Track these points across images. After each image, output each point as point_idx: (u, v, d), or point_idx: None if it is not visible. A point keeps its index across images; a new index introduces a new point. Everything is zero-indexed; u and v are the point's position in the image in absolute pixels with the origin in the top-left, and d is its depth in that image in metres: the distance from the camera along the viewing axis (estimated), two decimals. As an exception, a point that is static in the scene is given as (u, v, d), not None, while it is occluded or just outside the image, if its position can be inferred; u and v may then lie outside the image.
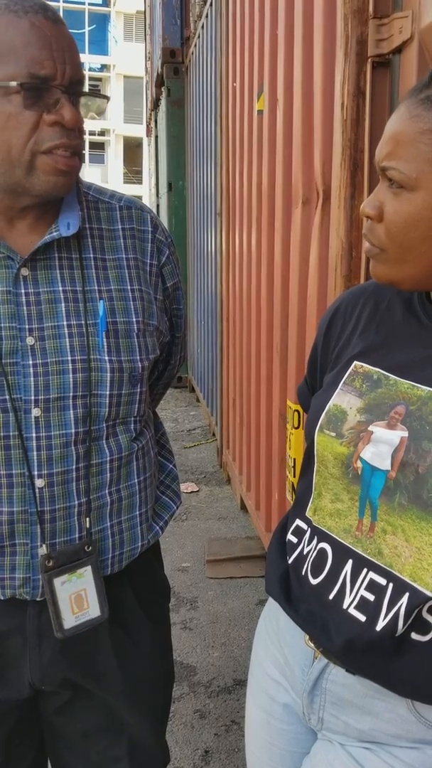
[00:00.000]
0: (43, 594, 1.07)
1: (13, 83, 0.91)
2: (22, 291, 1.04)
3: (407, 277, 0.88)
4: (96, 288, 1.08)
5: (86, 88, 1.02)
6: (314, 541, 0.97)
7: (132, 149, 31.89)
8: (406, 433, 0.87)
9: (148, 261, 1.16)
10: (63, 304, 1.06)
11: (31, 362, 1.03)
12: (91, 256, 1.10)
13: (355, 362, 0.97)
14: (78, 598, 1.07)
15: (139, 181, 29.27)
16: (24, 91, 0.92)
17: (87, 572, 1.08)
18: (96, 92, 1.04)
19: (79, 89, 0.98)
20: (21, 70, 0.91)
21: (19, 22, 0.92)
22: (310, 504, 0.99)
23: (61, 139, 0.96)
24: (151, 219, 1.18)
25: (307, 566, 0.97)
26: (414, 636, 0.85)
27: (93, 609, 1.09)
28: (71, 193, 1.08)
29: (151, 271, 1.16)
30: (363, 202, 0.89)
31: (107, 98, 1.08)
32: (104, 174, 30.90)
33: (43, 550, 1.05)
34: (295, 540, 1.02)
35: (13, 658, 1.12)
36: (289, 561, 1.02)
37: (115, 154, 32.01)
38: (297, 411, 2.39)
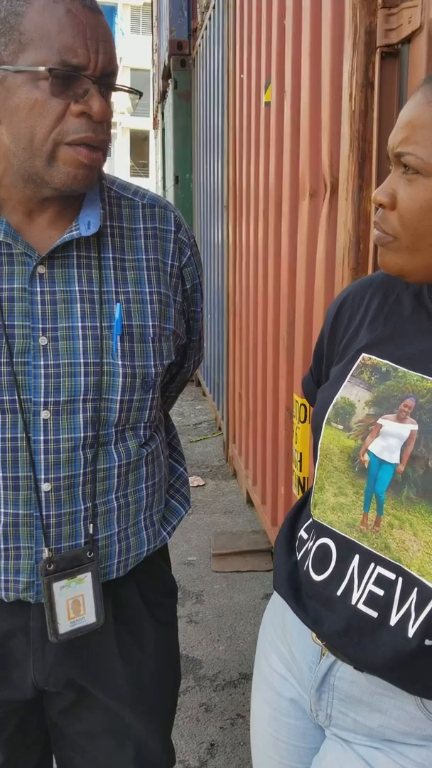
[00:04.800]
0: None
1: (42, 69, 0.88)
2: (38, 289, 1.01)
3: (418, 267, 0.87)
4: (113, 289, 1.05)
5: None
6: (314, 536, 0.96)
7: (139, 142, 31.82)
8: (415, 426, 0.86)
9: (169, 262, 1.12)
10: (78, 305, 1.03)
11: (42, 363, 1.01)
12: (110, 255, 1.06)
13: (363, 354, 0.95)
14: (75, 603, 1.05)
15: (146, 174, 29.21)
16: (53, 77, 0.89)
17: (87, 578, 1.06)
18: (128, 87, 1.00)
19: (111, 81, 0.95)
20: (53, 57, 0.88)
21: (55, 7, 0.89)
22: (311, 498, 0.98)
23: (87, 132, 0.92)
24: (175, 218, 1.14)
25: (308, 562, 0.96)
26: (427, 642, 0.84)
27: (89, 615, 1.07)
28: (93, 189, 1.05)
29: (171, 272, 1.12)
30: (375, 190, 0.87)
31: (140, 93, 1.03)
32: (111, 167, 30.86)
33: (45, 554, 1.04)
34: (305, 536, 1.01)
35: (16, 659, 1.11)
36: (298, 557, 1.01)
37: (121, 146, 31.95)
38: (303, 405, 2.38)
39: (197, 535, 3.52)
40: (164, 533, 1.21)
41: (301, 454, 2.41)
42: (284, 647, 1.06)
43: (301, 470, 2.44)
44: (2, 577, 1.05)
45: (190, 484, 1.34)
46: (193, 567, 3.21)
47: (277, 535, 1.09)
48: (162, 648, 1.23)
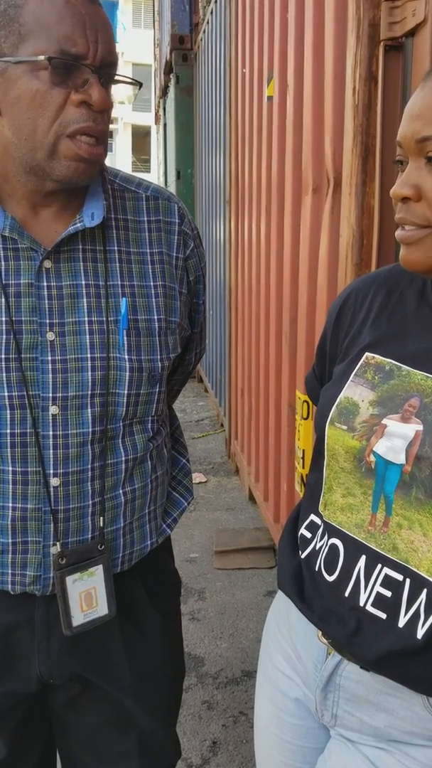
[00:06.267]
0: (53, 590, 1.06)
1: (42, 58, 0.89)
2: (44, 284, 1.01)
3: None
4: (119, 283, 1.05)
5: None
6: (326, 537, 0.95)
7: (140, 137, 31.77)
8: (420, 427, 0.84)
9: (174, 254, 1.12)
10: (85, 299, 1.03)
11: (50, 358, 1.01)
12: (116, 248, 1.06)
13: (367, 353, 0.94)
14: (88, 596, 1.06)
15: (148, 170, 29.17)
16: (52, 67, 0.89)
17: (98, 571, 1.07)
18: (127, 78, 1.00)
19: (111, 72, 0.95)
20: (52, 46, 0.89)
21: None
22: (321, 498, 0.97)
23: (87, 122, 0.93)
24: (179, 210, 1.15)
25: (320, 562, 0.96)
26: None
27: (101, 607, 1.08)
28: (96, 182, 1.05)
29: (176, 264, 1.12)
30: (393, 187, 0.84)
31: (139, 84, 1.04)
32: (113, 162, 30.84)
33: (56, 549, 1.04)
34: (309, 535, 1.00)
35: (21, 651, 1.11)
36: (302, 556, 1.00)
37: (123, 142, 31.89)
38: (306, 402, 2.37)
39: (199, 532, 3.52)
40: (164, 525, 1.21)
41: (303, 451, 2.40)
42: (289, 647, 1.05)
43: (303, 467, 2.43)
44: (9, 571, 1.05)
45: (192, 481, 1.34)
46: (195, 564, 3.21)
47: (281, 534, 1.09)
48: (166, 640, 1.23)
